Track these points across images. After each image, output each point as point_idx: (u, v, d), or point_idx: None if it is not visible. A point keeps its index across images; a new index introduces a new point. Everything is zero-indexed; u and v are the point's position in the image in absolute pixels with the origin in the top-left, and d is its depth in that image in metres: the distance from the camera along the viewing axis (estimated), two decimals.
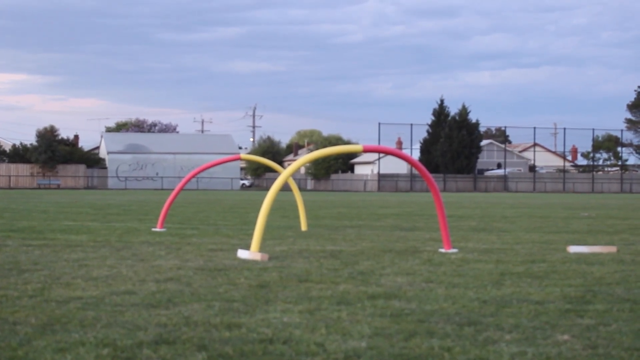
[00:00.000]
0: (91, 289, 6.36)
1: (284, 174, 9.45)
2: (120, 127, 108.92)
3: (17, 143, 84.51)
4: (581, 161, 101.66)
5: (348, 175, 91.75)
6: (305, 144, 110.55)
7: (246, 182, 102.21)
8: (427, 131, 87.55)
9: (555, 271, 7.93)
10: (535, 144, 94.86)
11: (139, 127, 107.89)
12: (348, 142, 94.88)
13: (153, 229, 13.37)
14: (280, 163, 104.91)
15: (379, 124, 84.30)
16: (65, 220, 15.97)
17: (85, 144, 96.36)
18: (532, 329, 4.93)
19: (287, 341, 4.51)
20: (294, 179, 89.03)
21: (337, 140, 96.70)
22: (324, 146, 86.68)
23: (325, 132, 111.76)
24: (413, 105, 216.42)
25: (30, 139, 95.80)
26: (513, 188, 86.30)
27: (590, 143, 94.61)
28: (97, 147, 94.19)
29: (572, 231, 14.46)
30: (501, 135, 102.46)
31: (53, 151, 79.02)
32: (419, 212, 22.23)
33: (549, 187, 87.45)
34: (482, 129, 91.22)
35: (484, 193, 72.26)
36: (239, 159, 14.60)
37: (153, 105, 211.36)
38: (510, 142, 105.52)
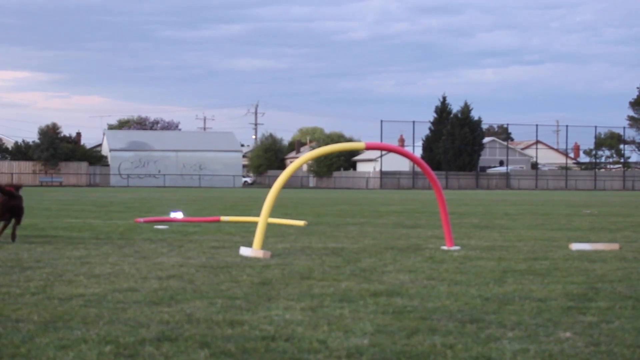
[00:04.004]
0: (93, 287, 6.36)
1: (286, 171, 9.45)
2: (123, 125, 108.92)
3: (20, 140, 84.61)
4: (583, 158, 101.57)
5: (350, 172, 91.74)
6: (308, 141, 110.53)
7: (248, 180, 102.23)
8: (430, 129, 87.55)
9: (558, 268, 7.92)
10: (537, 142, 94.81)
11: (141, 124, 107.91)
12: (350, 140, 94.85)
13: (155, 227, 13.38)
14: (282, 160, 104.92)
15: (381, 121, 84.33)
16: (68, 218, 15.98)
17: (87, 141, 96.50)
18: (535, 326, 4.93)
19: (289, 338, 4.51)
20: (296, 176, 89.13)
21: (339, 138, 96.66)
22: (326, 144, 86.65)
23: (328, 130, 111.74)
24: (416, 103, 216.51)
25: (32, 137, 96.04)
26: (515, 185, 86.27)
27: (593, 140, 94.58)
28: (100, 145, 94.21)
29: (575, 228, 14.44)
30: (503, 133, 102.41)
31: (55, 148, 79.07)
32: (421, 210, 22.22)
33: (551, 184, 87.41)
34: (484, 126, 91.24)
35: (486, 190, 72.23)
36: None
37: (155, 103, 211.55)
38: (512, 140, 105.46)
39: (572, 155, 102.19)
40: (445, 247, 9.97)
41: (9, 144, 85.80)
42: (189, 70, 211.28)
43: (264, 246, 9.41)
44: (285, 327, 4.81)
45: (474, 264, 8.25)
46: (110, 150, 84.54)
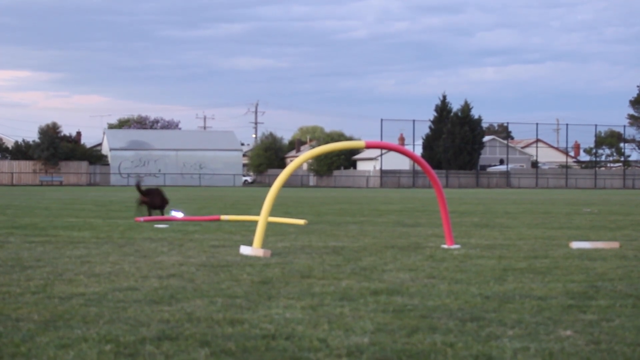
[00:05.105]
0: (94, 286, 6.36)
1: (286, 170, 9.45)
2: (123, 124, 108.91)
3: (20, 140, 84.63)
4: (584, 157, 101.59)
5: (350, 171, 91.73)
6: (308, 140, 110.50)
7: (248, 179, 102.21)
8: (430, 127, 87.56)
9: (558, 267, 7.92)
10: (537, 140, 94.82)
11: (141, 123, 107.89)
12: (350, 139, 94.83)
13: (156, 226, 13.38)
14: (283, 159, 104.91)
15: (382, 120, 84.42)
16: (68, 217, 15.98)
17: (87, 140, 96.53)
18: (535, 325, 4.92)
19: (289, 337, 4.51)
20: (297, 175, 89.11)
21: (340, 137, 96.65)
22: (326, 142, 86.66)
23: (328, 129, 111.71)
24: (416, 102, 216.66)
25: (32, 136, 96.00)
26: (515, 184, 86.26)
27: (593, 139, 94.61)
28: (100, 144, 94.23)
29: (575, 227, 14.44)
30: (503, 131, 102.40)
31: (55, 148, 79.09)
32: (422, 208, 22.22)
33: (552, 183, 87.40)
34: (484, 125, 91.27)
35: (486, 189, 72.22)
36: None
37: (155, 102, 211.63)
38: (512, 138, 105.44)
39: (572, 153, 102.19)
40: (445, 246, 9.97)
41: (9, 144, 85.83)
42: (189, 70, 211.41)
43: (264, 245, 9.40)
44: (285, 326, 4.81)
45: (474, 263, 8.25)
46: (111, 149, 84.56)
